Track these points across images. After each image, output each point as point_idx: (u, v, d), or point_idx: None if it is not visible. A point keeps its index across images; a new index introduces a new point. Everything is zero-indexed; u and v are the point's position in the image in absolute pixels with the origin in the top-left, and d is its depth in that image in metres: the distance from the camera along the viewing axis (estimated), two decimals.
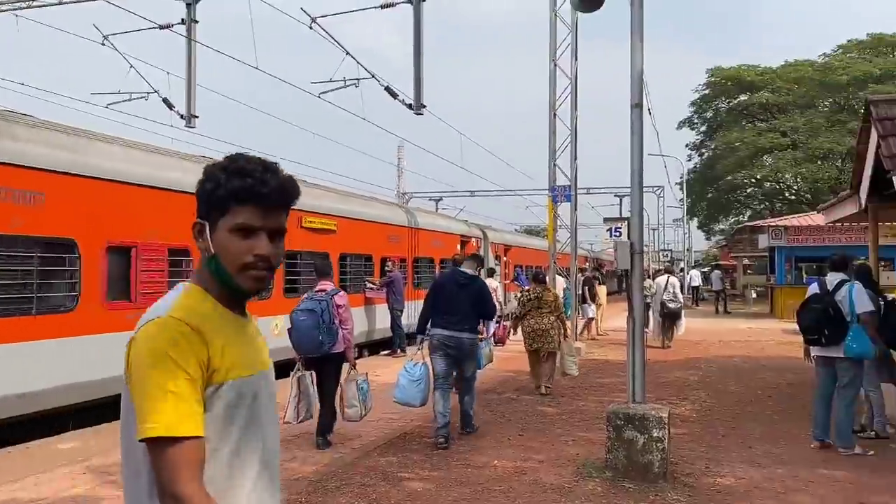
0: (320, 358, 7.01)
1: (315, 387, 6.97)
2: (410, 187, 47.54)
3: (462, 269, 7.87)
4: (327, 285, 7.33)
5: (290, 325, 7.04)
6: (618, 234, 17.97)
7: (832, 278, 7.09)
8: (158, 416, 1.45)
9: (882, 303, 7.20)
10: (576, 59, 14.87)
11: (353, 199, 15.79)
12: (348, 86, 16.79)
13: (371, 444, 7.28)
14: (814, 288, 7.28)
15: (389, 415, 8.38)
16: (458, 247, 20.88)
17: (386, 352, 15.42)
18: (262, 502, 1.66)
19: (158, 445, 1.45)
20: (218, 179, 1.63)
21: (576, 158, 14.86)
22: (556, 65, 14.95)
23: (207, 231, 1.65)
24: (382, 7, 15.26)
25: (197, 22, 14.86)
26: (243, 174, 1.61)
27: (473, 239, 22.47)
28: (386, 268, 15.53)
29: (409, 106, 14.51)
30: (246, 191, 1.60)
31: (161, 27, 14.88)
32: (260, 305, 11.92)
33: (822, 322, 6.83)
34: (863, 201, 10.26)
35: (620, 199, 38.88)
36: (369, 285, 15.21)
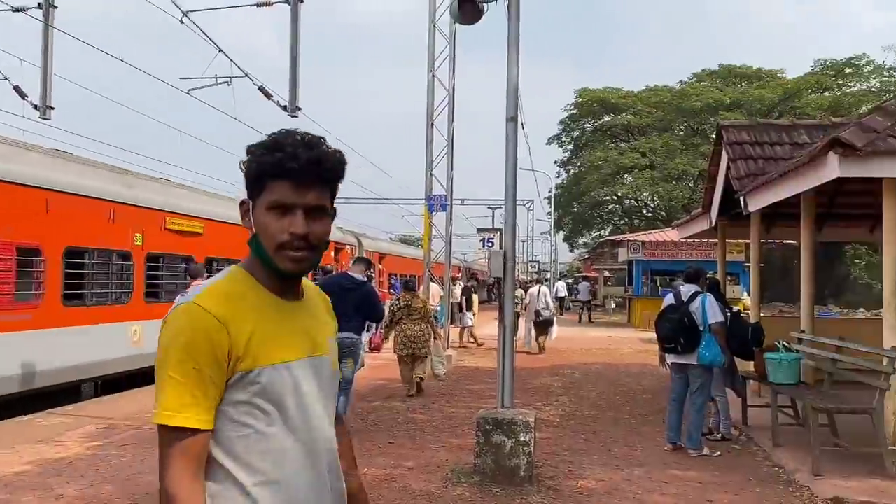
0: None
1: None
2: None
3: (350, 272, 8.17)
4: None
5: None
6: (490, 244, 18.35)
7: (686, 290, 7.55)
8: (161, 403, 1.46)
9: (728, 314, 7.73)
10: (453, 70, 15.12)
11: (223, 201, 15.25)
12: (220, 84, 16.21)
13: None
14: (669, 299, 7.73)
15: None
16: (332, 253, 20.62)
17: None
18: (307, 499, 1.57)
19: (160, 433, 1.47)
20: (254, 156, 1.57)
21: (452, 169, 15.07)
22: (434, 76, 15.13)
23: (251, 209, 1.60)
24: (258, 5, 14.88)
25: (55, 7, 13.87)
26: (276, 149, 1.54)
27: (348, 246, 22.27)
28: None
29: (284, 108, 14.21)
30: (277, 165, 1.53)
31: (15, 10, 13.77)
32: (117, 310, 11.25)
33: (678, 331, 7.25)
34: (713, 219, 11.06)
35: (493, 211, 39.88)
36: None
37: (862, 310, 25.68)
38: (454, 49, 15.05)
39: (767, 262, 27.17)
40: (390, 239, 43.45)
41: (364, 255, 22.97)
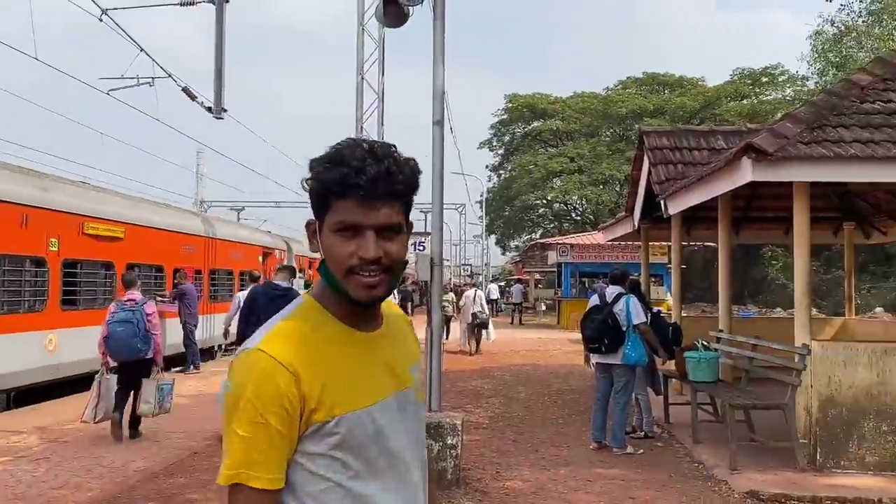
0: (135, 363, 7.74)
1: (116, 390, 7.73)
2: (211, 196, 45.37)
3: (275, 280, 8.30)
4: (135, 295, 7.96)
5: (105, 335, 7.72)
6: (421, 248, 18.33)
7: (611, 291, 7.71)
8: (227, 461, 1.33)
9: (649, 314, 7.93)
10: (383, 74, 15.06)
11: (144, 205, 14.78)
12: (142, 84, 15.74)
13: (158, 465, 6.82)
14: (594, 300, 7.88)
15: (176, 435, 7.91)
16: (260, 258, 20.26)
17: (178, 369, 14.52)
18: None
19: (228, 494, 1.35)
20: (315, 172, 1.40)
21: None
22: (363, 78, 15.04)
23: (318, 231, 1.44)
24: (182, 4, 14.52)
25: None
26: (339, 163, 1.37)
27: (277, 251, 21.91)
28: (176, 279, 14.66)
29: (209, 109, 13.90)
30: (340, 183, 1.36)
31: None
32: (31, 318, 10.76)
33: (602, 331, 7.39)
34: (636, 222, 11.33)
35: (426, 215, 39.87)
36: (159, 298, 14.27)
37: (779, 309, 26.85)
38: (383, 52, 14.98)
39: (690, 263, 28.09)
40: None
41: (294, 261, 22.72)
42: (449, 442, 6.03)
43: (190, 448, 7.59)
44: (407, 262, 1.49)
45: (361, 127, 14.96)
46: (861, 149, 6.37)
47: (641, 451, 7.43)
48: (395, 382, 1.47)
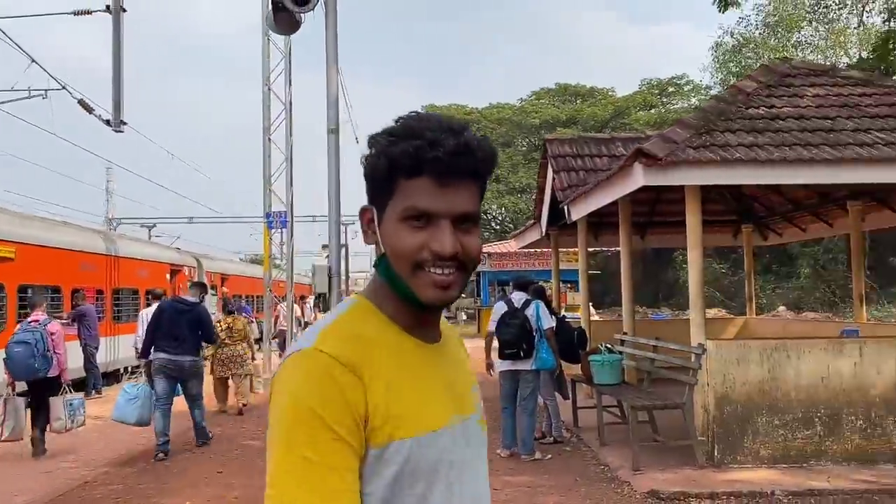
0: (39, 382, 7.93)
1: (26, 409, 7.92)
2: (121, 213, 43.73)
3: (184, 296, 8.72)
4: (40, 315, 8.21)
5: (4, 356, 8.05)
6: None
7: (518, 297, 7.73)
8: (280, 487, 1.04)
9: (555, 319, 8.00)
10: (290, 84, 14.82)
11: (37, 223, 14.04)
12: (33, 97, 14.99)
13: (45, 497, 6.42)
14: (501, 307, 7.86)
15: (69, 463, 7.48)
16: (168, 276, 19.56)
17: (79, 394, 13.80)
18: None
19: None
20: (380, 146, 1.17)
21: (291, 184, 14.74)
22: (269, 89, 14.77)
23: (376, 219, 1.19)
24: (76, 13, 13.95)
25: None
26: (411, 136, 1.14)
27: (186, 268, 21.20)
28: (75, 301, 13.96)
29: (108, 122, 13.36)
30: (413, 156, 1.12)
31: None
32: None
33: (522, 336, 7.40)
34: (544, 229, 11.47)
35: (346, 227, 39.57)
36: (57, 321, 13.55)
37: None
38: (290, 62, 14.77)
39: (607, 268, 28.74)
40: (240, 259, 42.03)
41: (204, 277, 22.07)
42: None
43: (82, 477, 7.19)
44: (477, 263, 1.25)
45: (269, 138, 14.68)
46: (746, 152, 6.59)
47: (550, 456, 7.46)
48: (457, 406, 1.22)
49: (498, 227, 46.03)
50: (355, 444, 1.05)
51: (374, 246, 1.22)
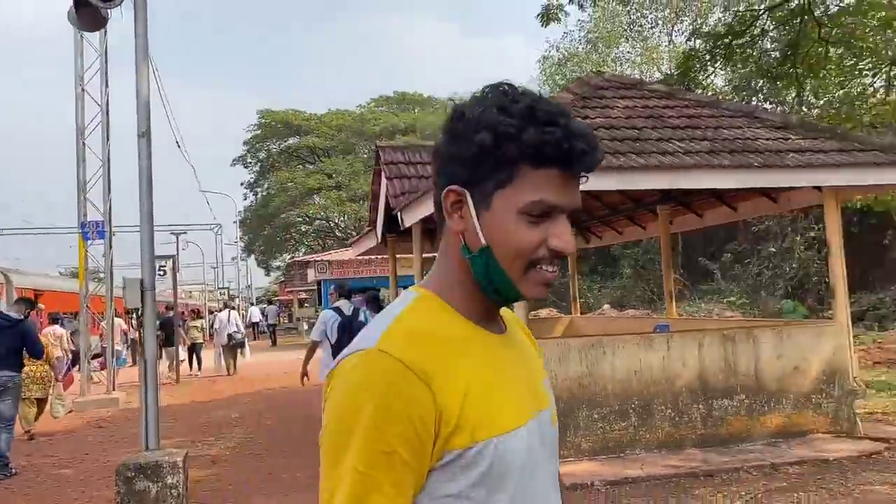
0: None
1: None
2: None
3: (6, 311, 8.68)
4: None
5: None
6: (162, 272, 17.14)
7: (346, 305, 7.65)
8: (326, 495, 0.98)
9: None
10: (107, 85, 13.83)
11: None
12: None
13: None
14: (332, 315, 7.75)
15: None
16: None
17: None
18: None
19: None
20: (503, 127, 1.01)
21: (110, 191, 13.75)
22: (83, 89, 13.73)
23: (471, 205, 1.05)
24: None
25: None
26: (545, 120, 1.01)
27: None
28: None
29: None
30: (554, 146, 1.00)
31: None
32: None
33: None
34: (379, 236, 11.45)
35: (177, 237, 37.59)
36: None
37: (535, 313, 28.90)
38: (106, 62, 13.79)
39: None
40: (59, 273, 38.85)
41: (14, 293, 20.14)
42: (169, 482, 5.56)
43: None
44: None
45: (83, 142, 13.64)
46: None
47: None
48: (533, 401, 1.14)
49: (342, 234, 45.67)
50: (413, 460, 0.97)
51: (438, 235, 1.12)
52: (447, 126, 1.09)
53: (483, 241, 1.05)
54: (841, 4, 12.99)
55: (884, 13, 11.99)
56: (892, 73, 12.72)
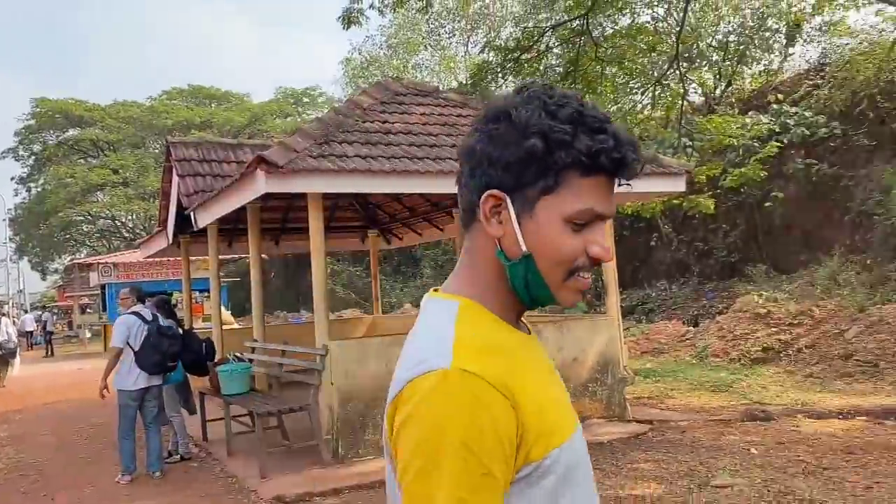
0: None
1: None
2: None
3: None
4: None
5: None
6: None
7: (144, 309, 7.20)
8: None
9: (181, 331, 7.62)
10: None
11: None
12: None
13: None
14: (136, 320, 7.18)
15: None
16: None
17: None
18: None
19: None
20: (556, 133, 0.99)
21: None
22: None
23: (511, 210, 1.03)
24: None
25: None
26: (594, 128, 1.00)
27: None
28: None
29: None
30: (608, 155, 1.00)
31: None
32: None
33: (181, 351, 7.23)
34: (170, 236, 10.89)
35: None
36: None
37: (335, 313, 28.78)
38: None
39: (266, 272, 28.33)
40: None
41: None
42: None
43: None
44: None
45: None
46: (361, 163, 7.00)
47: (176, 473, 7.09)
48: (573, 410, 1.15)
49: (129, 234, 42.62)
50: (503, 478, 0.96)
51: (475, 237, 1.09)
52: (484, 126, 1.07)
53: (524, 248, 1.04)
54: (615, 27, 14.34)
55: (651, 37, 13.42)
56: (656, 92, 14.24)
